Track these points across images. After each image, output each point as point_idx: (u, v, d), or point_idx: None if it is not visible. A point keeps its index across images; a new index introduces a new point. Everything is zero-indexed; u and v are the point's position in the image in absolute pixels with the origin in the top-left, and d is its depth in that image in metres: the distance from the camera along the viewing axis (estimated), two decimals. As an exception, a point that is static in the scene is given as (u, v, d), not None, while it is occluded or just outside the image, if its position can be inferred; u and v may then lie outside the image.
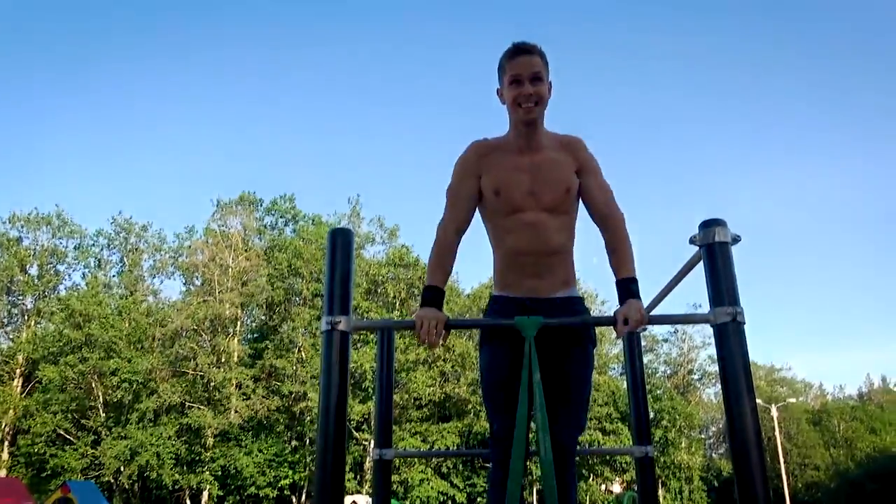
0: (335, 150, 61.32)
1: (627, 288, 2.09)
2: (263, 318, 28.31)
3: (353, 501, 5.36)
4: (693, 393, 30.93)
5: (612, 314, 2.06)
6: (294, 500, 25.64)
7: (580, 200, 2.27)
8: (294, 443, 26.27)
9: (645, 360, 28.65)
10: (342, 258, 2.11)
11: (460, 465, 26.01)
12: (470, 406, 26.00)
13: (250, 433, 24.99)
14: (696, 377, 31.21)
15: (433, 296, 2.14)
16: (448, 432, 25.21)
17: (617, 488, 27.72)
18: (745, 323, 1.96)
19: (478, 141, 2.31)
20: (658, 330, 29.77)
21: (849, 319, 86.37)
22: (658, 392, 27.08)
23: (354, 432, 25.34)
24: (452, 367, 26.22)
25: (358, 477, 25.20)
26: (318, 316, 26.89)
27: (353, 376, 25.54)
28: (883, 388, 63.78)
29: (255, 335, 28.77)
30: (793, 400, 44.23)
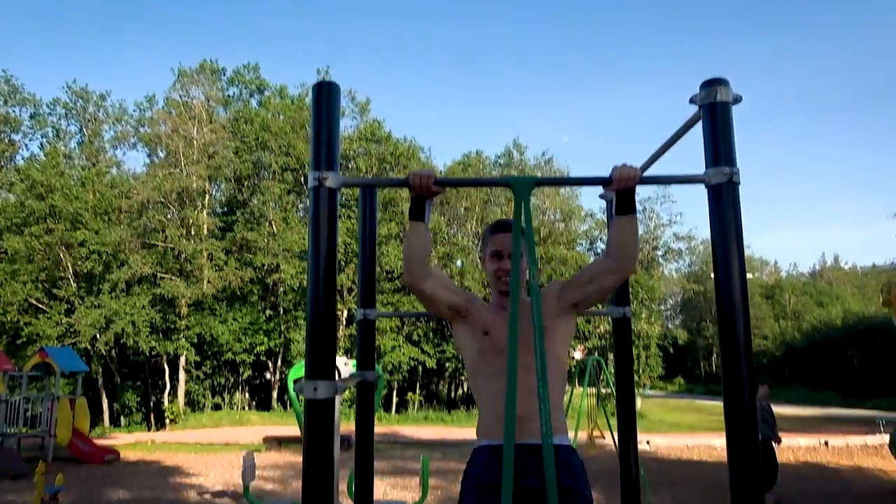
0: (302, 17, 58.06)
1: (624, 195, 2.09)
2: (232, 191, 27.87)
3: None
4: (656, 268, 32.02)
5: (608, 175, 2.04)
6: (270, 364, 26.61)
7: (586, 296, 2.24)
8: (268, 312, 26.84)
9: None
10: (328, 113, 2.01)
11: (430, 333, 27.05)
12: (441, 278, 26.60)
13: (224, 303, 25.39)
14: (660, 253, 32.15)
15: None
16: (418, 302, 25.92)
17: (578, 355, 29.26)
18: (740, 184, 1.94)
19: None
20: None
21: (809, 200, 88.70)
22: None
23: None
24: (424, 240, 26.54)
25: (332, 345, 26.12)
26: (288, 190, 26.62)
27: (326, 249, 25.77)
28: (834, 266, 67.04)
29: (224, 209, 28.48)
30: (750, 276, 46.19)
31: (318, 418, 1.86)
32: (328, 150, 1.98)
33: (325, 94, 2.02)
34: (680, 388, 49.72)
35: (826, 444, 14.83)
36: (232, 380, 27.06)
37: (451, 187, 2.04)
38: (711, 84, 1.99)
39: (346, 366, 5.66)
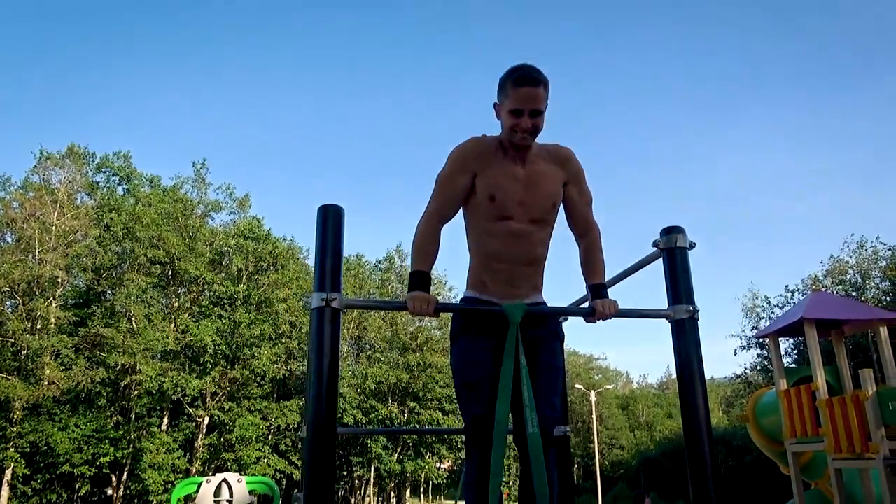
0: (176, 108, 57.20)
1: (599, 290, 2.31)
2: (90, 282, 25.80)
3: (224, 479, 5.07)
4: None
5: (587, 307, 2.26)
6: (114, 478, 23.82)
7: (563, 207, 2.38)
8: (117, 418, 24.37)
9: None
10: (334, 235, 2.10)
11: (300, 443, 25.65)
12: (314, 384, 25.66)
13: (67, 407, 22.79)
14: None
15: (420, 280, 2.19)
16: (290, 410, 24.75)
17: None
18: (699, 320, 2.23)
19: (477, 137, 2.33)
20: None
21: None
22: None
23: (188, 407, 24.06)
24: (298, 344, 25.72)
25: (188, 455, 23.97)
26: (154, 284, 25.07)
27: (192, 350, 24.21)
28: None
29: (79, 300, 26.18)
30: (609, 386, 48.68)
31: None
32: (333, 272, 2.05)
33: (331, 217, 2.11)
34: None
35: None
36: (65, 497, 23.82)
37: (446, 312, 2.15)
38: (671, 231, 2.30)
39: (239, 483, 5.30)
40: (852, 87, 77.04)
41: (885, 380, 7.80)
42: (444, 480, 27.94)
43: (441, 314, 2.20)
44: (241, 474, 5.25)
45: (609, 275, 2.45)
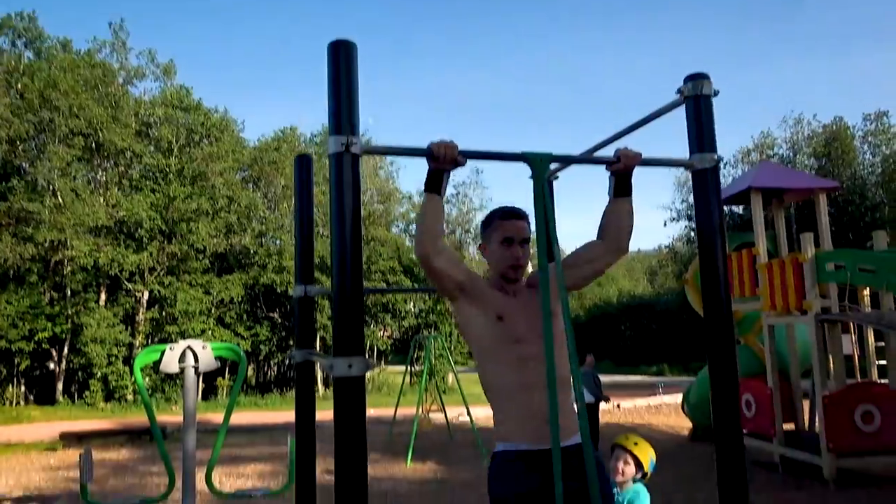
0: (85, -41, 51.41)
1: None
2: (6, 154, 24.01)
3: (189, 346, 5.02)
4: (465, 250, 33.63)
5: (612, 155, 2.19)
6: (54, 353, 23.57)
7: (584, 266, 2.36)
8: (51, 294, 23.73)
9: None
10: (347, 73, 1.90)
11: (244, 316, 25.85)
12: (255, 258, 25.48)
13: (-4, 284, 21.96)
14: (470, 236, 33.76)
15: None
16: (232, 283, 24.62)
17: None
18: (721, 169, 2.19)
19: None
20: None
21: (587, 191, 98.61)
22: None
23: (126, 283, 23.60)
24: (238, 219, 25.17)
25: (129, 329, 23.81)
26: (78, 157, 23.59)
27: (127, 225, 23.37)
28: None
29: (-4, 175, 24.43)
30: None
31: (350, 397, 1.76)
32: (349, 113, 1.87)
33: (343, 54, 1.90)
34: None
35: (618, 406, 16.81)
36: (5, 371, 23.53)
37: (472, 159, 2.01)
38: (695, 78, 2.20)
39: (204, 349, 5.27)
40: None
41: (820, 244, 8.30)
42: (389, 347, 29.05)
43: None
44: (204, 341, 5.18)
45: (626, 123, 2.35)
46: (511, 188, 56.66)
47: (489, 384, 2.18)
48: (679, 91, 2.22)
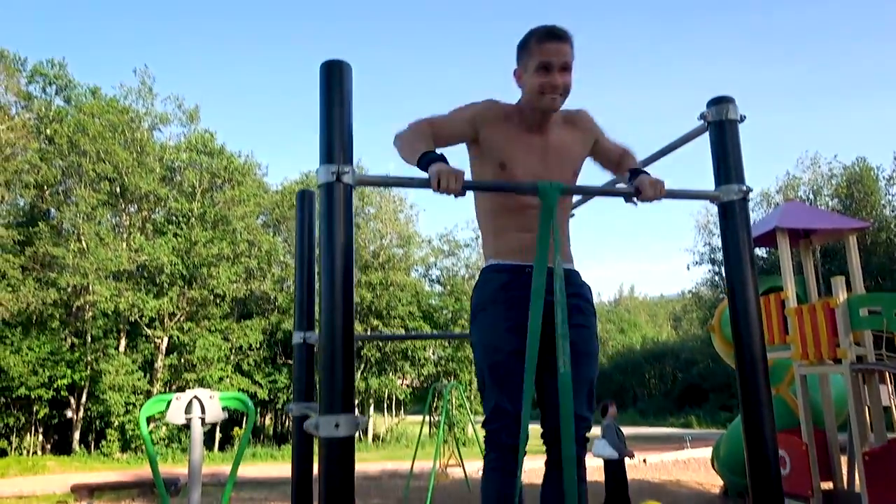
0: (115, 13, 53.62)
1: (639, 172, 2.06)
2: (33, 199, 24.50)
3: (195, 395, 4.88)
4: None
5: (628, 187, 2.00)
6: (72, 401, 23.49)
7: (594, 161, 2.23)
8: (72, 340, 23.78)
9: (448, 263, 30.02)
10: (341, 97, 1.75)
11: (262, 363, 25.67)
12: (275, 303, 25.45)
13: (18, 329, 22.06)
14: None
15: (436, 154, 1.87)
16: (251, 329, 24.53)
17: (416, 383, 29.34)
18: (749, 201, 2.00)
19: (493, 100, 2.10)
20: (462, 236, 31.21)
21: (610, 235, 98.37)
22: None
23: (146, 328, 23.61)
24: (258, 263, 25.25)
25: (148, 375, 23.71)
26: (104, 201, 23.97)
27: (148, 270, 23.54)
28: (630, 296, 74.71)
29: (24, 219, 24.91)
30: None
31: (338, 458, 1.57)
32: (341, 139, 1.72)
33: (337, 75, 1.77)
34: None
35: (644, 461, 16.13)
36: (24, 420, 23.45)
37: (475, 191, 1.85)
38: (719, 101, 2.02)
39: (211, 399, 5.05)
40: None
41: (852, 288, 7.96)
42: (408, 397, 28.53)
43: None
44: (213, 390, 4.99)
45: (646, 153, 2.18)
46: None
47: (484, 218, 2.15)
48: (702, 116, 2.05)
